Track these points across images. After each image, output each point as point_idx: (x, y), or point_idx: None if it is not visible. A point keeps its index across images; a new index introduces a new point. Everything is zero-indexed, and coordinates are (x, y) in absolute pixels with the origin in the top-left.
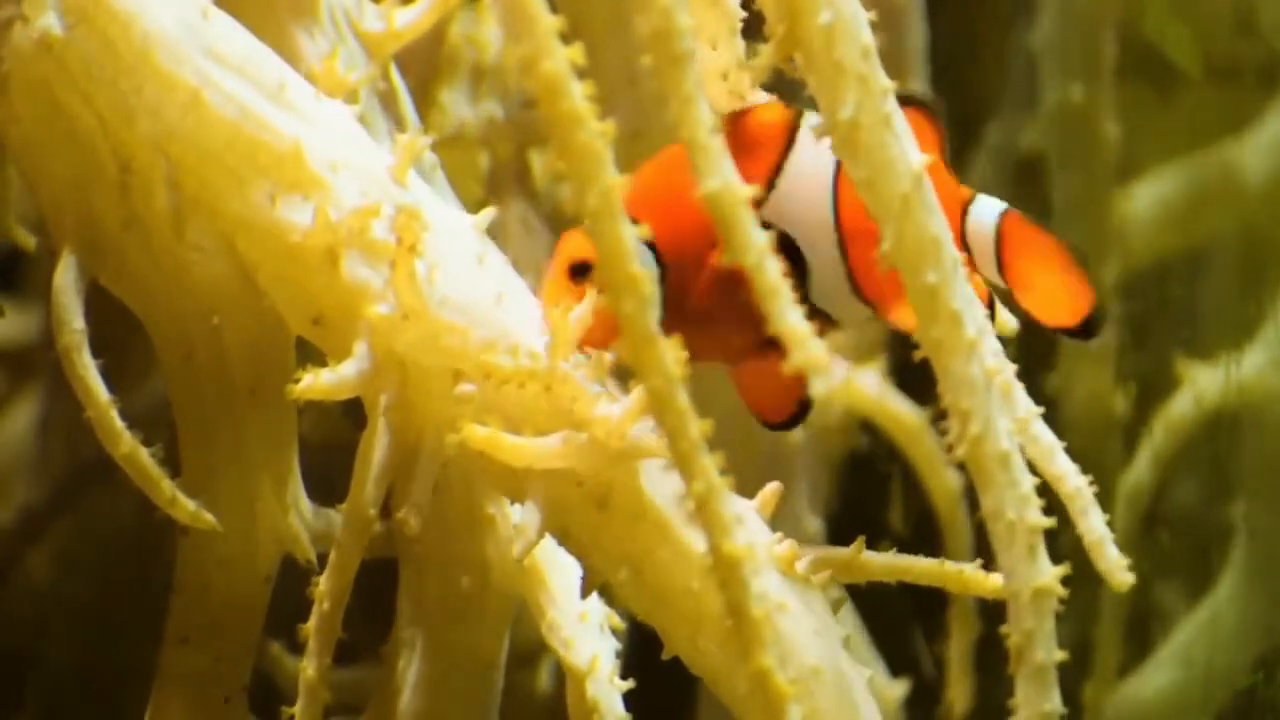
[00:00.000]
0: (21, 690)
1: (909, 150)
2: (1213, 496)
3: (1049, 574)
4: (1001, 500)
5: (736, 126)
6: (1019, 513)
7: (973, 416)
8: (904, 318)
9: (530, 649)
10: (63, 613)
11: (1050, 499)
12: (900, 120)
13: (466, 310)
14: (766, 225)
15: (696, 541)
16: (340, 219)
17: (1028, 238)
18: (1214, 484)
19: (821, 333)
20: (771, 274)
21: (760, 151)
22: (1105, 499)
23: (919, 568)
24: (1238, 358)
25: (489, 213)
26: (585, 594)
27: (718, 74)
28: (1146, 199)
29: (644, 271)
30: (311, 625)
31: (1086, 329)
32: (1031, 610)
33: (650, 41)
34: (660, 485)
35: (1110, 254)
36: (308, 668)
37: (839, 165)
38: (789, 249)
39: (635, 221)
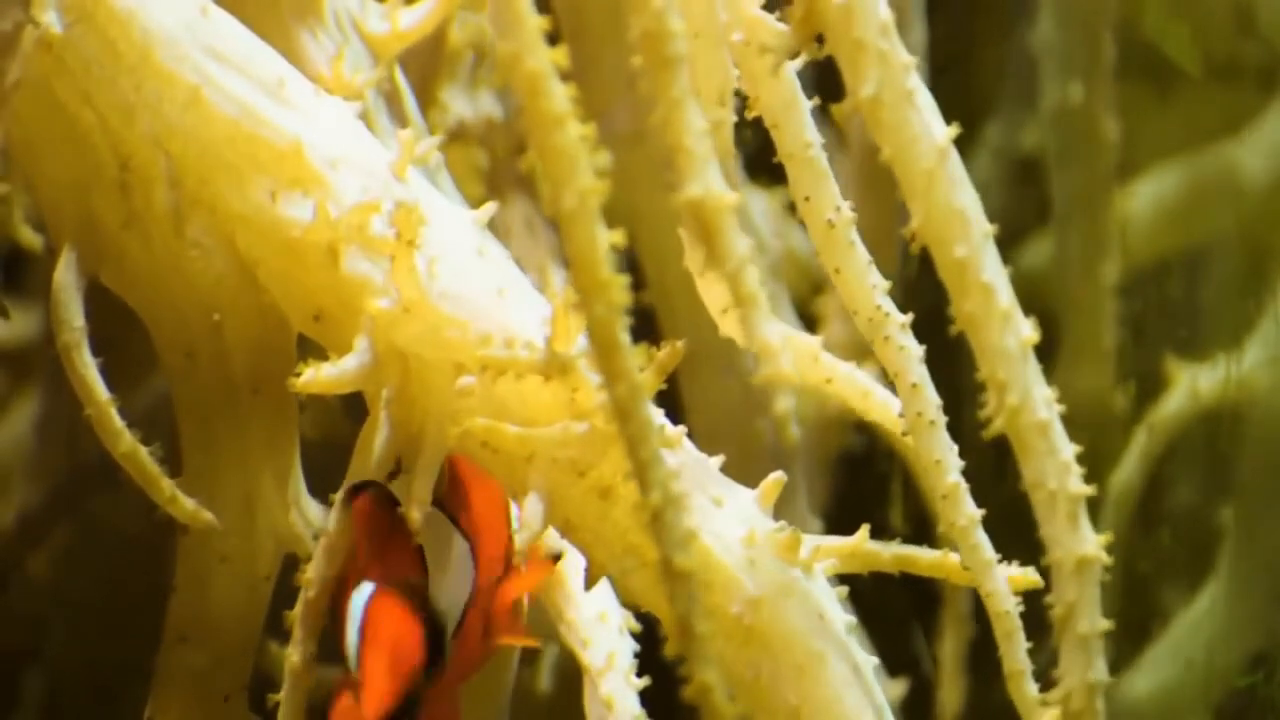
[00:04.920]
0: (21, 689)
1: (933, 124)
2: (1211, 495)
3: (1092, 542)
4: (1042, 469)
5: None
6: (1060, 481)
7: (1010, 387)
8: None
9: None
10: (63, 612)
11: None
12: (924, 95)
13: (467, 303)
14: None
15: (701, 529)
16: (340, 215)
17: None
18: (1212, 482)
19: None
20: (750, 283)
21: None
22: (1105, 499)
23: (923, 560)
24: (1238, 356)
25: (490, 207)
26: (589, 586)
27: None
28: (1146, 198)
29: (616, 277)
30: (296, 612)
31: None
32: (1075, 580)
33: (642, 43)
34: None
35: (1110, 253)
36: (292, 655)
37: None
38: None
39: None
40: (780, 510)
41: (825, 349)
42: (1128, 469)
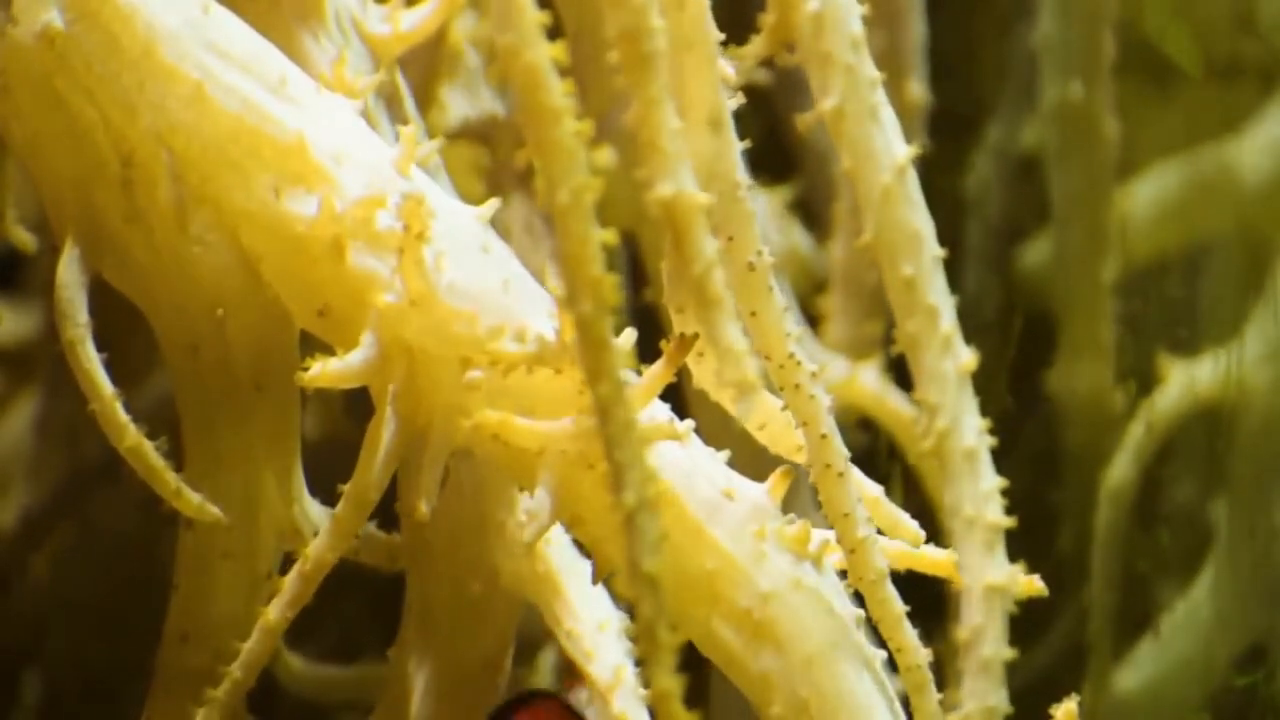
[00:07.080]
0: (21, 689)
1: (893, 141)
2: (1208, 491)
3: (1005, 572)
4: (962, 495)
5: None
6: (978, 508)
7: (942, 410)
8: None
9: (528, 644)
10: (63, 611)
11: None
12: (887, 112)
13: (474, 296)
14: None
15: (711, 522)
16: (345, 209)
17: None
18: (1209, 479)
19: None
20: (717, 285)
21: None
22: (1102, 496)
23: (925, 559)
24: (1236, 354)
25: (493, 203)
26: (596, 580)
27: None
28: (1146, 197)
29: (607, 275)
30: (288, 577)
31: None
32: (983, 606)
33: (619, 40)
34: (674, 466)
35: (1109, 252)
36: (268, 613)
37: None
38: None
39: None
40: (783, 509)
41: (827, 347)
42: (1124, 466)
